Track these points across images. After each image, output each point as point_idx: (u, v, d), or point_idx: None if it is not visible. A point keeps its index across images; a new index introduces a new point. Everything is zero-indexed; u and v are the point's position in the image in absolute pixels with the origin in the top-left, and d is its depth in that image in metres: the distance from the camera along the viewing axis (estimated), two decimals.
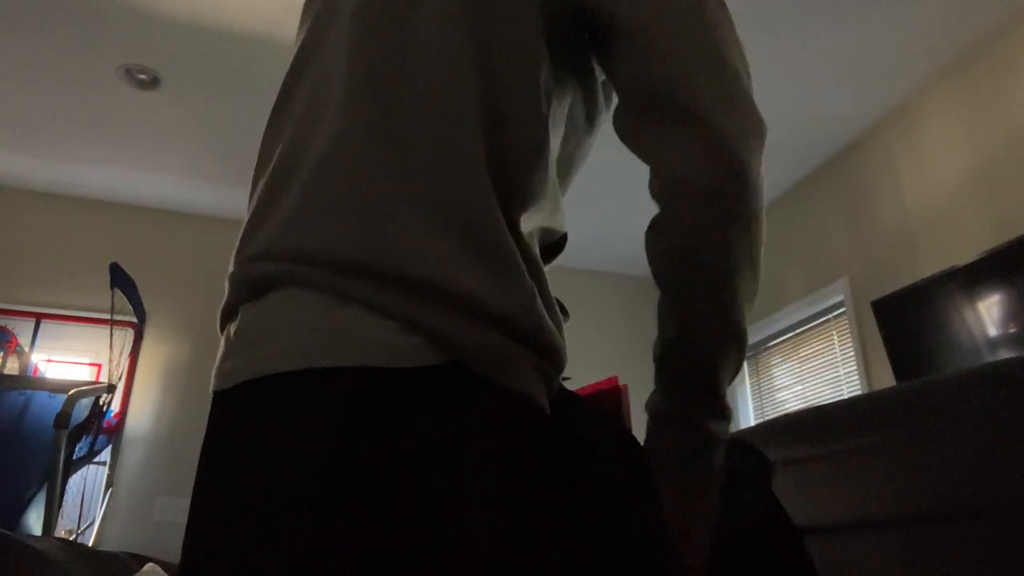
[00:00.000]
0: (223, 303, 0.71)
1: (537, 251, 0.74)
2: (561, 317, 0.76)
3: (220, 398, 0.64)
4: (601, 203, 4.05)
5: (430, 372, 0.59)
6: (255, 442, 0.59)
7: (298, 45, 0.83)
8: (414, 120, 0.64)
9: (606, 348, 4.45)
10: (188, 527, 0.65)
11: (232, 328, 0.68)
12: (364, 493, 0.56)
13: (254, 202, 0.72)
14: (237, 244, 0.72)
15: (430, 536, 0.56)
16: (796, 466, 1.22)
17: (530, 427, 0.65)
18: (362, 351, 0.58)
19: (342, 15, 0.75)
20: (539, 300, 0.67)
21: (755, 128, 0.69)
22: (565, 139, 0.84)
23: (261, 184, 0.72)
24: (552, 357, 0.67)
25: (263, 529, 0.57)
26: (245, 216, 0.74)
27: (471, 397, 0.61)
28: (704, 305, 0.69)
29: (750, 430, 1.36)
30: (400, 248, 0.61)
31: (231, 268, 0.71)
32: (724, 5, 0.76)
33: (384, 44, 0.68)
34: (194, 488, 0.66)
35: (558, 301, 0.75)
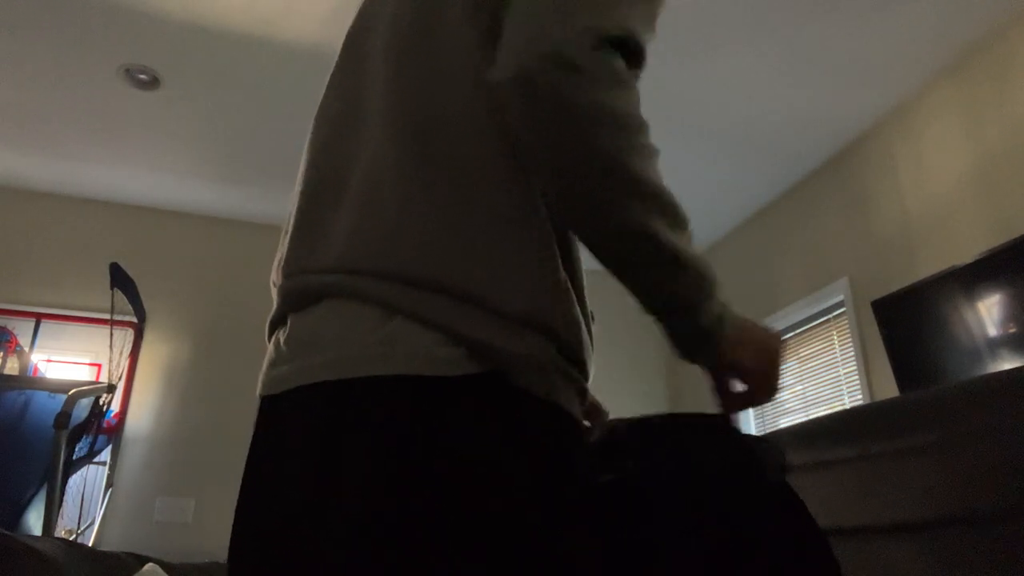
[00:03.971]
0: (272, 312, 0.76)
1: (579, 262, 0.77)
2: (591, 325, 0.77)
3: (270, 402, 0.68)
4: None
5: (473, 381, 0.62)
6: (308, 446, 0.63)
7: (337, 63, 0.87)
8: (442, 141, 0.69)
9: (607, 347, 4.46)
10: (235, 525, 0.68)
11: (282, 336, 0.71)
12: (411, 500, 0.59)
13: (297, 216, 0.76)
14: (283, 256, 0.76)
15: (467, 543, 0.58)
16: (828, 468, 1.21)
17: (566, 438, 0.67)
18: (407, 361, 0.62)
19: (378, 35, 0.80)
20: (578, 312, 0.71)
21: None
22: None
23: (303, 199, 0.76)
24: (583, 369, 0.70)
25: (314, 529, 0.60)
26: (286, 227, 0.78)
27: (511, 408, 0.64)
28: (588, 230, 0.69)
29: (783, 432, 1.35)
30: (441, 262, 0.65)
31: (279, 279, 0.75)
32: None
33: (413, 74, 0.73)
34: (241, 489, 0.69)
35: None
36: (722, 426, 0.78)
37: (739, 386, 0.77)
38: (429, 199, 0.67)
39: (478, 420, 0.62)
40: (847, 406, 3.37)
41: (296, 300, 0.71)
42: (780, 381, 0.75)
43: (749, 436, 0.78)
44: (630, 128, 0.65)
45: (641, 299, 0.73)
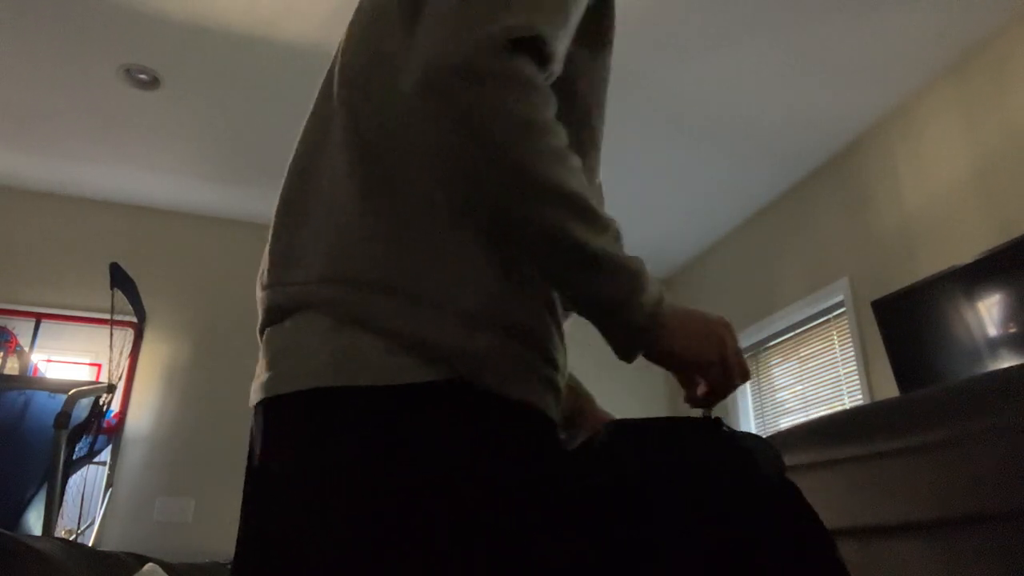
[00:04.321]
0: (258, 324, 0.80)
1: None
2: (562, 321, 0.77)
3: (254, 412, 0.73)
4: (608, 208, 4.04)
5: (428, 387, 0.64)
6: (268, 456, 0.67)
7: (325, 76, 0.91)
8: (389, 153, 0.72)
9: (607, 349, 4.45)
10: (239, 529, 0.73)
11: (261, 347, 0.76)
12: (370, 507, 0.61)
13: (272, 231, 0.80)
14: (262, 269, 0.80)
15: (434, 553, 0.60)
16: (839, 466, 1.21)
17: (532, 435, 0.68)
18: (360, 372, 0.64)
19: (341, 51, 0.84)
20: (540, 307, 0.72)
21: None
22: None
23: (276, 215, 0.80)
24: (553, 364, 0.71)
25: (279, 544, 0.63)
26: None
27: (470, 411, 0.65)
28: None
29: (794, 429, 1.35)
30: (391, 270, 0.67)
31: (258, 292, 0.79)
32: None
33: (358, 91, 0.76)
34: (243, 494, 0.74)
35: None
36: (715, 427, 0.77)
37: (701, 382, 0.77)
38: (378, 211, 0.70)
39: (432, 427, 0.63)
40: (847, 406, 3.37)
41: (269, 313, 0.74)
42: (735, 367, 0.74)
43: (745, 435, 0.77)
44: (534, 133, 0.64)
45: (570, 301, 0.73)
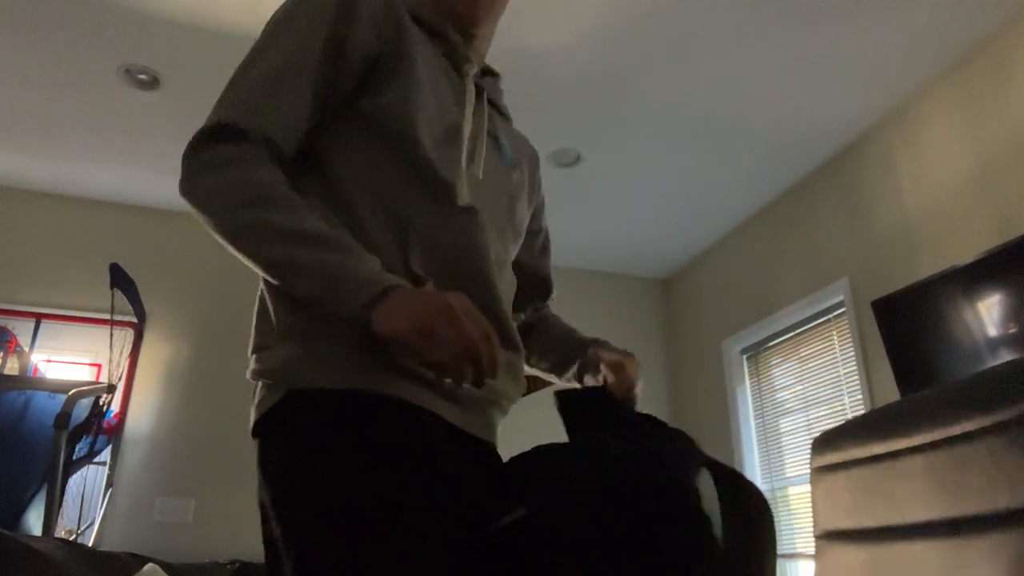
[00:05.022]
0: None
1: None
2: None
3: None
4: (608, 208, 4.05)
5: (282, 400, 0.83)
6: None
7: None
8: None
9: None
10: None
11: None
12: (264, 508, 0.83)
13: None
14: None
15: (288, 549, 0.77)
16: (872, 464, 1.19)
17: (356, 422, 0.79)
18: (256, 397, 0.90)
19: None
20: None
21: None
22: None
23: None
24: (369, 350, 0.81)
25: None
26: None
27: (301, 411, 0.81)
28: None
29: (849, 424, 1.32)
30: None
31: None
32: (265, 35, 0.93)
33: None
34: None
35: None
36: (615, 444, 0.81)
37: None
38: None
39: (281, 433, 0.81)
40: (846, 406, 3.37)
41: None
42: (436, 337, 0.76)
43: (654, 444, 0.80)
44: (215, 203, 0.83)
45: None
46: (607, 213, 4.17)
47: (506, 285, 0.97)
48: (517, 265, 1.12)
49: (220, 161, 0.84)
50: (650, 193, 3.92)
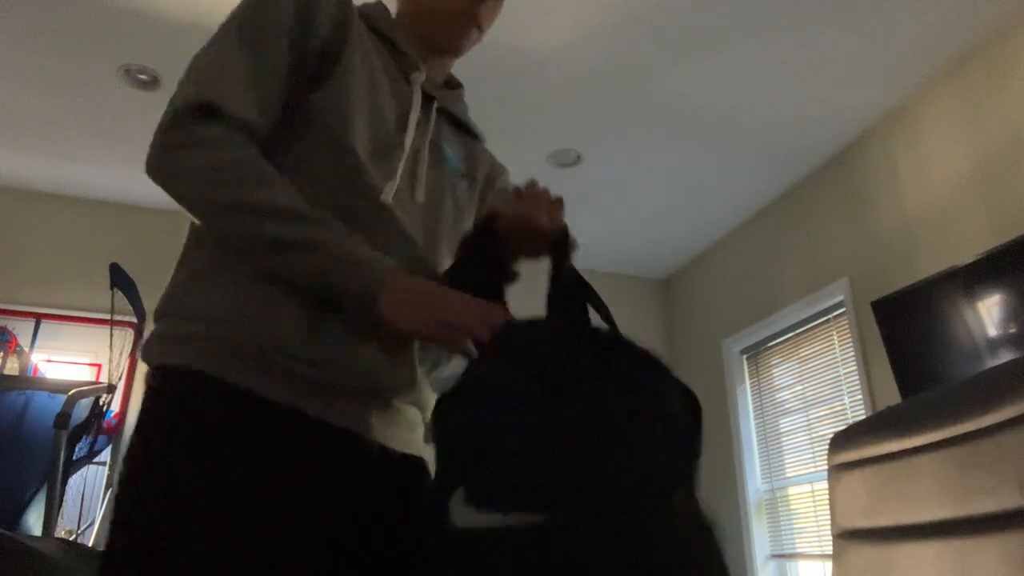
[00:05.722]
0: None
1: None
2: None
3: None
4: (608, 208, 4.05)
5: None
6: None
7: None
8: None
9: None
10: None
11: None
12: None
13: None
14: None
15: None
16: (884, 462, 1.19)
17: (189, 399, 0.79)
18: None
19: None
20: (223, 294, 0.84)
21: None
22: None
23: None
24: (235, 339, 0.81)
25: None
26: None
27: (160, 388, 0.82)
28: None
29: (870, 419, 1.31)
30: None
31: None
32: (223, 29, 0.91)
33: None
34: None
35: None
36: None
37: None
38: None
39: (147, 403, 0.81)
40: (846, 406, 3.37)
41: None
42: (449, 323, 0.79)
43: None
44: (205, 180, 0.81)
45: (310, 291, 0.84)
46: (607, 213, 4.16)
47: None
48: None
49: (207, 139, 0.82)
50: (650, 193, 3.92)
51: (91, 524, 3.44)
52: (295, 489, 0.78)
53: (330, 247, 0.80)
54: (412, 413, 0.95)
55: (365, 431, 0.87)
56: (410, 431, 0.95)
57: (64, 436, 2.79)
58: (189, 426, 0.77)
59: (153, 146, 0.84)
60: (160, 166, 0.83)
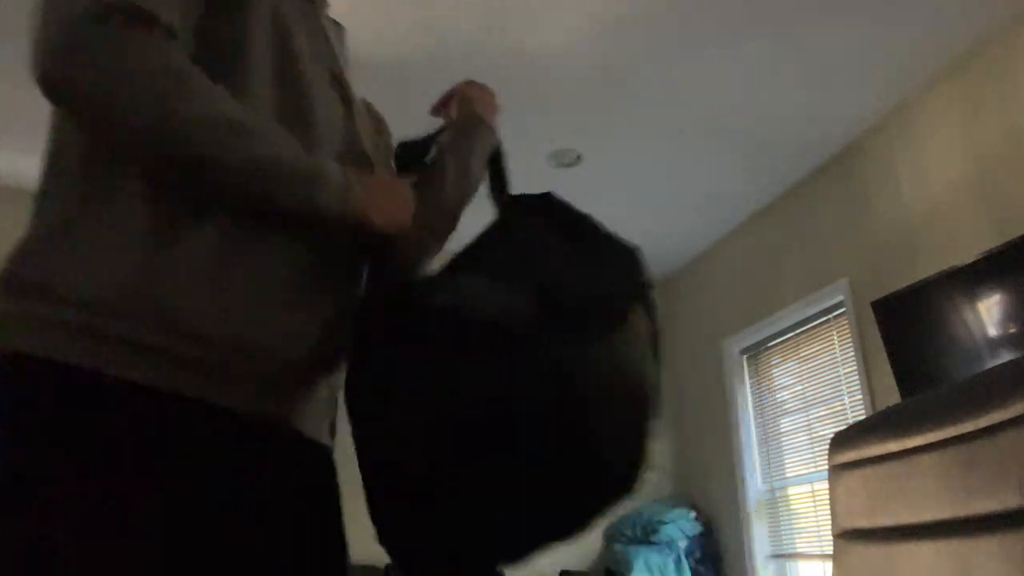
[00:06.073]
0: None
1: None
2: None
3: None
4: (607, 209, 4.05)
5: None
6: None
7: None
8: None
9: None
10: None
11: None
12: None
13: None
14: None
15: None
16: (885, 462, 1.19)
17: (44, 394, 0.71)
18: None
19: None
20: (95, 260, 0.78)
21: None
22: None
23: None
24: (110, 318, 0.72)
25: None
26: None
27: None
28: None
29: (873, 417, 1.32)
30: None
31: None
32: None
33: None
34: None
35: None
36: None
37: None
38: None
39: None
40: (846, 406, 3.37)
41: None
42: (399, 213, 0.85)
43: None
44: (164, 81, 0.70)
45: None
46: (607, 213, 4.13)
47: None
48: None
49: (151, 42, 0.71)
50: (650, 193, 3.92)
51: None
52: (234, 503, 0.71)
53: (308, 162, 0.78)
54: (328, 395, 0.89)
55: (296, 422, 0.81)
56: (323, 418, 0.88)
57: None
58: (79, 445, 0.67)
59: (54, 40, 0.71)
60: (77, 61, 0.70)
